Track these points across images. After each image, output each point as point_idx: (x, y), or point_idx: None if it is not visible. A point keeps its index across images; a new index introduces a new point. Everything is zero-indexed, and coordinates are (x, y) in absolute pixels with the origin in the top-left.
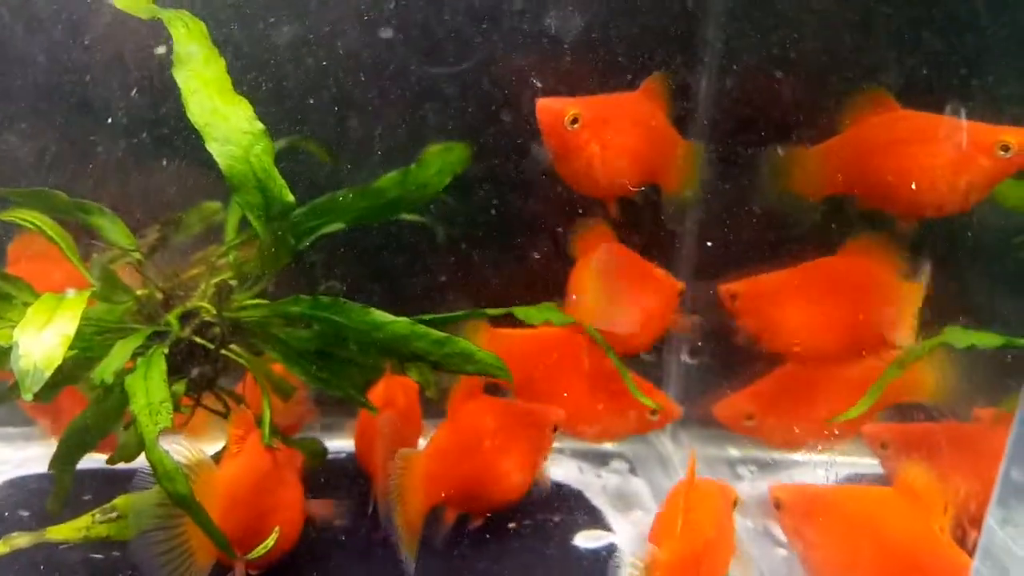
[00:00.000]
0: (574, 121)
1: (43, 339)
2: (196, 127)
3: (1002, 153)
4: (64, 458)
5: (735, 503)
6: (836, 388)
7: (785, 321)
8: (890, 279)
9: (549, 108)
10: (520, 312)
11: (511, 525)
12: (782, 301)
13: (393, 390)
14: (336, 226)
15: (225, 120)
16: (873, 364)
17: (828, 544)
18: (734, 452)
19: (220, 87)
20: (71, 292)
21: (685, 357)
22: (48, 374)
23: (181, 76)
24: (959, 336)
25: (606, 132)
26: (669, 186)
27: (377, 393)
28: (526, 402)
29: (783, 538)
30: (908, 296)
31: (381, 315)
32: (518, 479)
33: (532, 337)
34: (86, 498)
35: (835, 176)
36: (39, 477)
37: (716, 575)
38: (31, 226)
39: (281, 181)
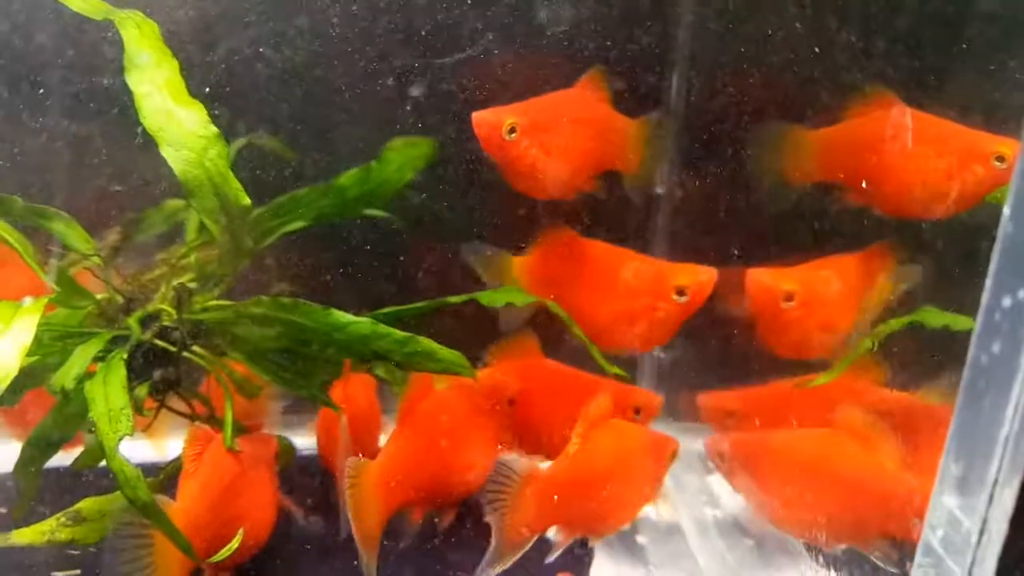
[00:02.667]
0: (511, 131)
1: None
2: (149, 132)
3: (997, 163)
4: (28, 463)
5: (673, 455)
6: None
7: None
8: None
9: (485, 121)
10: (483, 296)
11: (486, 519)
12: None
13: (353, 388)
14: (297, 224)
15: (179, 124)
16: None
17: (777, 485)
18: None
19: (173, 90)
20: (28, 300)
21: (658, 352)
22: (4, 384)
23: (133, 79)
24: (932, 316)
25: (546, 136)
26: (628, 169)
27: (336, 391)
28: (480, 382)
29: (750, 529)
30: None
31: (342, 315)
32: (482, 467)
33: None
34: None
35: (828, 164)
36: None
37: (608, 507)
38: None
39: (237, 184)
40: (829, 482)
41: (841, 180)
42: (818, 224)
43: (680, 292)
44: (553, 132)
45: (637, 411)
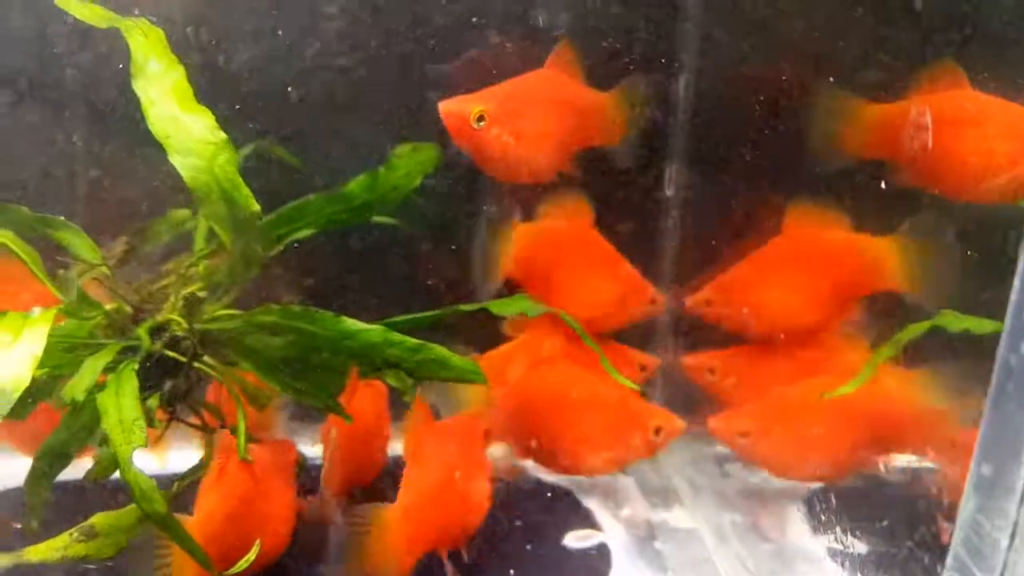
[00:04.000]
0: (480, 119)
1: (10, 360)
2: (157, 139)
3: None
4: (39, 477)
5: (658, 431)
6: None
7: (761, 306)
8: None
9: (452, 111)
10: (494, 306)
11: (501, 527)
12: (752, 290)
13: (362, 397)
14: (305, 232)
15: (187, 131)
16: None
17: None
18: (721, 449)
19: (180, 96)
20: (37, 310)
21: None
22: (16, 396)
23: (140, 86)
24: (952, 320)
25: (516, 121)
26: (608, 140)
27: (344, 399)
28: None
29: (770, 533)
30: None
31: (353, 323)
32: (486, 503)
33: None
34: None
35: (888, 140)
36: None
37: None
38: None
39: (247, 191)
40: (845, 419)
41: (895, 158)
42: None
43: None
44: (523, 116)
45: (643, 367)
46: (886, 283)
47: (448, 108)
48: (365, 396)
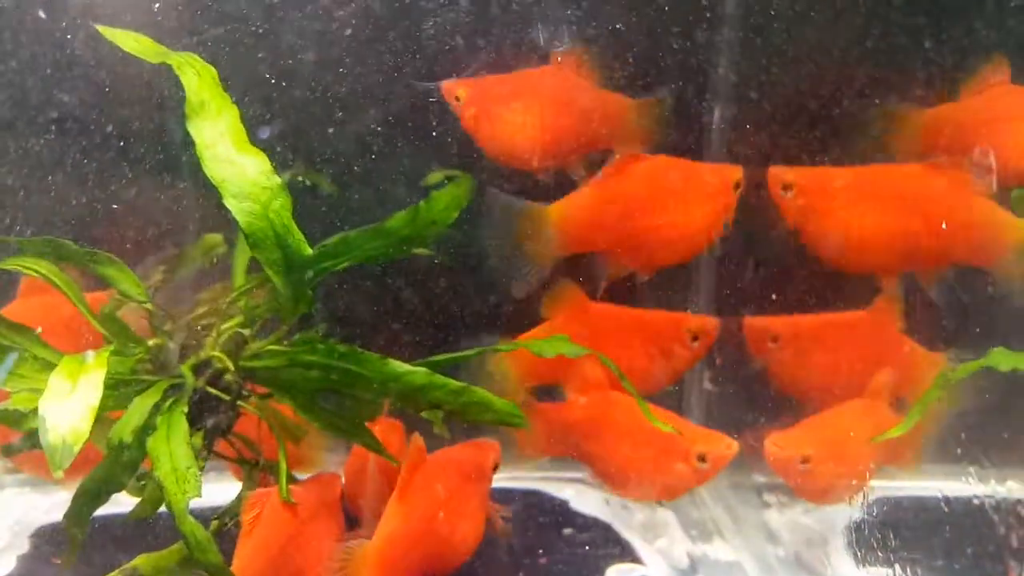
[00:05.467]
0: (457, 99)
1: (69, 410)
2: (212, 181)
3: None
4: (78, 513)
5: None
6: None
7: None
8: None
9: (445, 87)
10: (532, 346)
11: (542, 561)
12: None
13: (385, 431)
14: (344, 264)
15: (242, 175)
16: None
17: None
18: (760, 479)
19: (235, 138)
20: (91, 354)
21: (707, 385)
22: (77, 448)
23: (195, 127)
24: (1002, 358)
25: (493, 106)
26: (625, 147)
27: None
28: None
29: (813, 565)
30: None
31: (398, 365)
32: (474, 539)
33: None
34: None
35: (940, 142)
36: None
37: None
38: (36, 275)
39: (300, 235)
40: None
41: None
42: None
43: None
44: (502, 103)
45: (695, 338)
46: None
47: (444, 85)
48: (387, 431)
